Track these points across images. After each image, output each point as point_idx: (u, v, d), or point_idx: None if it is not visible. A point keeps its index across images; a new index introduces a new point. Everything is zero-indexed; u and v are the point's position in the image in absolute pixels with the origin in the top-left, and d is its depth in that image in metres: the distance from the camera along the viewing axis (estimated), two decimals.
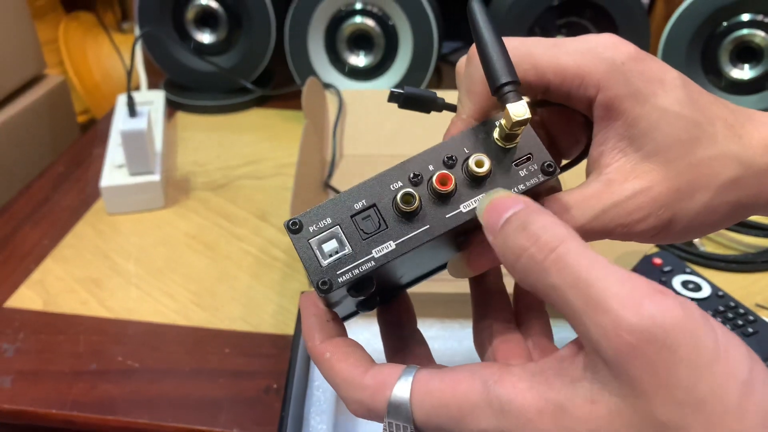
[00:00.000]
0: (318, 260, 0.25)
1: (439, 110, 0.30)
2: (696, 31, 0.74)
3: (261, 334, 0.51)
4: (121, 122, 0.64)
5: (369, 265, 0.25)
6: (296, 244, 0.25)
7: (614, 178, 0.27)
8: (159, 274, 0.57)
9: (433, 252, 0.28)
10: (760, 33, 0.73)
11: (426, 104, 0.30)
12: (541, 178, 0.26)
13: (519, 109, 0.24)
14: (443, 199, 0.25)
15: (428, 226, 0.25)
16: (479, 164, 0.25)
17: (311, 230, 0.25)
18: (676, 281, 0.54)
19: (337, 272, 0.25)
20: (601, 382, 0.20)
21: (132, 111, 0.64)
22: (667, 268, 0.56)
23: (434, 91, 0.30)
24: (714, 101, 0.28)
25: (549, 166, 0.26)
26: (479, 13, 0.26)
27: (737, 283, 0.56)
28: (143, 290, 0.55)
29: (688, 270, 0.56)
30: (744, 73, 0.76)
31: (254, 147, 0.77)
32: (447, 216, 0.25)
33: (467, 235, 0.28)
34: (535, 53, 0.27)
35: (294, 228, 0.25)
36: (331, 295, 0.25)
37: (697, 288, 0.53)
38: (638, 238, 0.28)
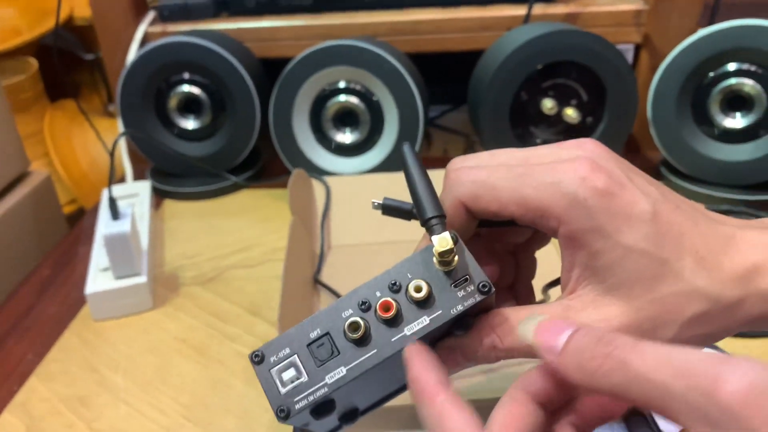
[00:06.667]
0: (278, 388, 0.27)
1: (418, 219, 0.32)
2: (683, 83, 0.73)
3: None
4: (103, 225, 0.62)
5: (323, 391, 0.27)
6: (259, 375, 0.28)
7: (573, 305, 0.28)
8: (148, 386, 0.54)
9: (394, 368, 0.29)
10: (749, 81, 0.72)
11: (404, 214, 0.33)
12: (478, 297, 0.28)
13: (441, 241, 0.27)
14: (388, 323, 0.28)
15: (376, 350, 0.27)
16: (417, 289, 0.28)
17: (272, 360, 0.28)
18: None
19: (294, 399, 0.27)
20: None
21: (114, 213, 0.63)
22: None
23: (410, 203, 0.32)
24: (688, 231, 0.27)
25: (484, 286, 0.28)
26: (409, 156, 0.30)
27: (754, 350, 0.54)
28: (132, 406, 0.52)
29: None
30: (736, 122, 0.74)
31: (244, 232, 0.75)
32: (393, 339, 0.27)
33: (433, 344, 0.30)
34: (499, 186, 0.29)
35: (257, 360, 0.28)
36: (291, 420, 0.27)
37: None
38: None
